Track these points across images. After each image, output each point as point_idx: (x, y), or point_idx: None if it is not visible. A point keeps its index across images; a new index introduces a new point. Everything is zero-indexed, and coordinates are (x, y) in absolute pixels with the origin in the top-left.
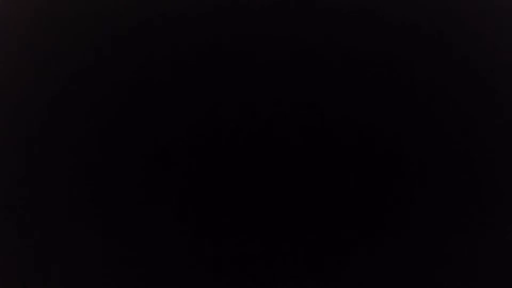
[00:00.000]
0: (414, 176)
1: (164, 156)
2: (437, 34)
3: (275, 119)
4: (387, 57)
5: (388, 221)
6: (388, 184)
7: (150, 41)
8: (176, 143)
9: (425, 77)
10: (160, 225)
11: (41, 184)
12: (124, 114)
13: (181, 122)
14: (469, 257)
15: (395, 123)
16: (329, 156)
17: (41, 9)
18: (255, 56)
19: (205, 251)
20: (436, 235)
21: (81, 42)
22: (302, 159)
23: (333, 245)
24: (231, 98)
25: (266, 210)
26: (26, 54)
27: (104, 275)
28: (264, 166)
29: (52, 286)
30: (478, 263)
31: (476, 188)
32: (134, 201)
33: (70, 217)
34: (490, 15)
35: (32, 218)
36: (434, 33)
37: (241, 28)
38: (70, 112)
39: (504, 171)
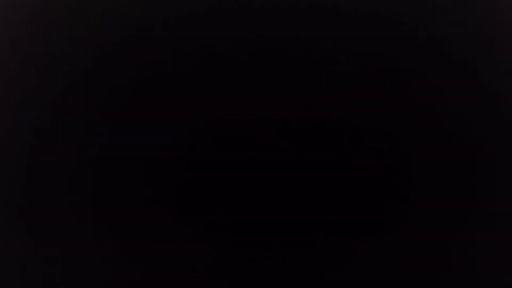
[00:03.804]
0: (414, 178)
1: (164, 157)
2: (438, 35)
3: (276, 120)
4: (388, 58)
5: (388, 223)
6: (388, 186)
7: (151, 42)
8: (177, 144)
9: (426, 77)
10: (161, 227)
11: (41, 185)
12: (125, 116)
13: (182, 123)
14: (470, 258)
15: (395, 124)
16: (330, 158)
17: (41, 9)
18: (257, 57)
19: (205, 254)
20: (436, 237)
21: (81, 44)
22: (302, 160)
23: (335, 247)
24: (231, 98)
25: (266, 213)
26: (27, 54)
27: (105, 276)
28: (265, 168)
29: (53, 287)
30: (479, 264)
31: (477, 189)
32: (135, 203)
33: (70, 217)
34: (490, 16)
35: (32, 218)
36: (434, 34)
37: (242, 30)
38: (70, 113)
39: (505, 172)
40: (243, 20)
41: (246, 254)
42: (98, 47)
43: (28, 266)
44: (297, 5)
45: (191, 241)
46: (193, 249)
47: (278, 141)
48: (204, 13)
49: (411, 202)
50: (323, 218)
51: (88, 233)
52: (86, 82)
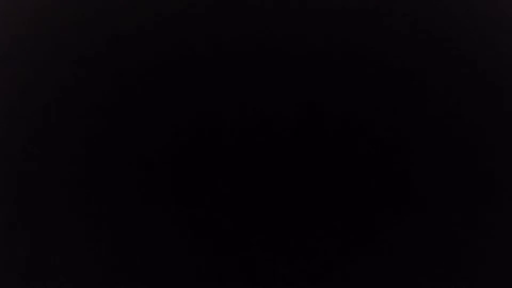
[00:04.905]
0: (415, 176)
1: (163, 156)
2: (437, 33)
3: (275, 119)
4: (388, 57)
5: (388, 221)
6: (388, 184)
7: (148, 40)
8: (175, 143)
9: (426, 76)
10: (159, 226)
11: (41, 185)
12: (123, 114)
13: (180, 122)
14: (469, 258)
15: (396, 123)
16: (328, 156)
17: (41, 9)
18: (254, 55)
19: (204, 253)
20: (435, 235)
21: (80, 43)
22: (301, 159)
23: (334, 246)
24: (229, 97)
25: (265, 211)
26: (26, 55)
27: (102, 275)
28: (264, 167)
29: (51, 285)
30: (478, 264)
31: (478, 188)
32: (133, 201)
33: (68, 217)
34: (491, 16)
35: (31, 217)
36: (434, 32)
37: (240, 28)
38: (68, 112)
39: (506, 171)
40: (243, 19)
41: (245, 253)
42: (95, 47)
43: (28, 265)
44: (298, 5)
45: (188, 240)
46: (191, 247)
47: (280, 139)
48: (204, 12)
49: (413, 200)
50: (325, 218)
51: (85, 231)
52: (83, 82)
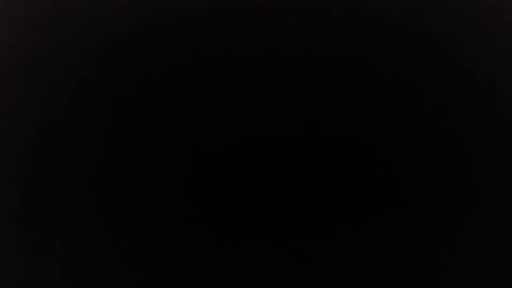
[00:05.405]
0: (410, 177)
1: (165, 157)
2: (432, 35)
3: (275, 120)
4: (383, 59)
5: (383, 221)
6: (383, 185)
7: (153, 42)
8: (178, 144)
9: (421, 77)
10: (160, 226)
11: (45, 184)
12: (125, 115)
13: (182, 123)
14: (465, 257)
15: (390, 123)
16: (325, 158)
17: (40, 9)
18: (252, 59)
19: (204, 253)
20: (430, 235)
21: (83, 45)
22: (299, 161)
23: (331, 246)
24: (230, 99)
25: (265, 211)
26: (26, 55)
27: (105, 276)
28: (264, 167)
29: (51, 285)
30: (474, 263)
31: (472, 188)
32: (134, 201)
33: (73, 217)
34: (486, 15)
35: (35, 217)
36: (429, 34)
37: (239, 31)
38: (71, 113)
39: (501, 171)
40: (244, 22)
41: (245, 253)
42: (100, 48)
43: (30, 266)
44: (300, 7)
45: (188, 240)
46: (191, 247)
47: (280, 139)
48: (205, 15)
49: (412, 200)
50: (324, 219)
51: (86, 231)
52: (87, 83)
